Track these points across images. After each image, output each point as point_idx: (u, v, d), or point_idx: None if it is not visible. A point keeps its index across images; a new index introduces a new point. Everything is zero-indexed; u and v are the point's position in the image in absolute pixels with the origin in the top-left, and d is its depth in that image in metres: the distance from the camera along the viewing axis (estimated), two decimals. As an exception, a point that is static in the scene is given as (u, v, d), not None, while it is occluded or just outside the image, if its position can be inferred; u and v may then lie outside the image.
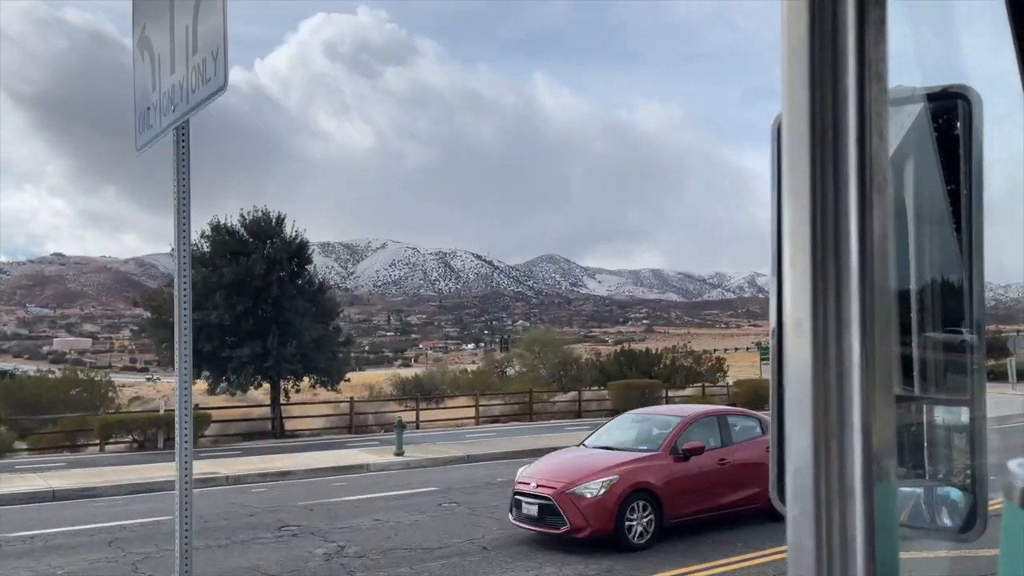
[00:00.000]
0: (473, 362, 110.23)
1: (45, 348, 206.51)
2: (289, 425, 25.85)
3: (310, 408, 28.20)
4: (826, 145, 0.56)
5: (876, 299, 0.55)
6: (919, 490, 0.81)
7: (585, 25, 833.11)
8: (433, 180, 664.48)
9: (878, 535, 0.53)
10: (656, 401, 27.20)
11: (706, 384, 36.01)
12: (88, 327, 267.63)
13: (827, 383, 0.55)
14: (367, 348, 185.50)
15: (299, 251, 26.65)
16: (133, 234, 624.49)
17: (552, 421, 28.94)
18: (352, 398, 28.38)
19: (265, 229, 26.24)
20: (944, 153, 0.80)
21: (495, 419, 28.94)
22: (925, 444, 0.81)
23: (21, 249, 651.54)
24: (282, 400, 26.26)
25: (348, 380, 29.91)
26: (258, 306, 25.07)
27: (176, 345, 4.88)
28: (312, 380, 26.98)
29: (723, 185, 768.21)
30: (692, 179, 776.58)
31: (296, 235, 26.73)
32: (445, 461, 17.26)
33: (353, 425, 25.73)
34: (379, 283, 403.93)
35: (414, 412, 27.75)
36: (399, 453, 17.32)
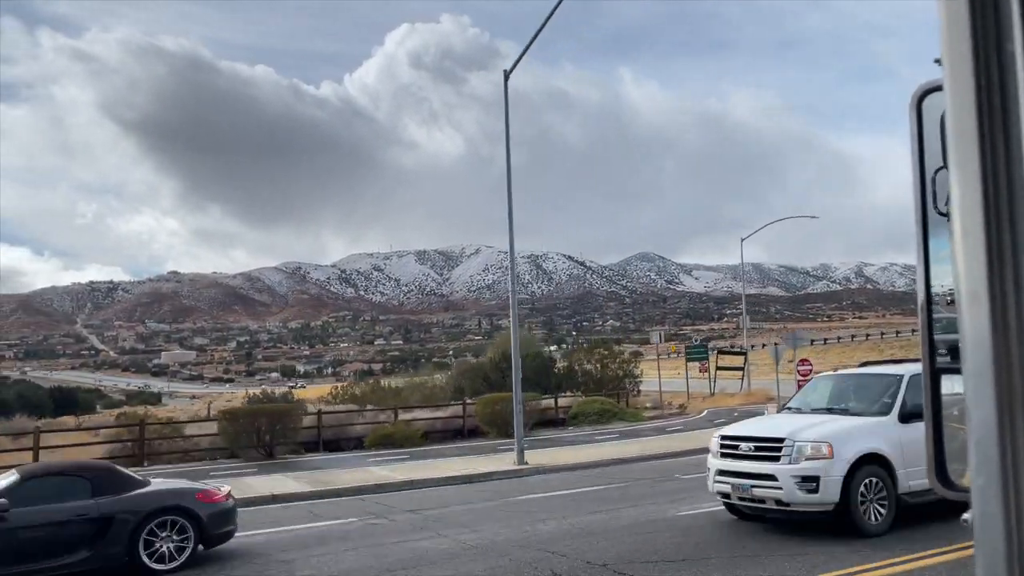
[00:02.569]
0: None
1: (154, 361, 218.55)
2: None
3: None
4: (994, 112, 0.54)
5: None
6: None
7: (671, 18, 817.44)
8: (523, 182, 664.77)
9: None
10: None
11: (605, 392, 34.08)
12: (199, 340, 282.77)
13: (1008, 351, 0.55)
14: (451, 352, 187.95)
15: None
16: (241, 249, 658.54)
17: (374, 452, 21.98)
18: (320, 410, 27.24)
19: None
20: None
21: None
22: None
23: (144, 269, 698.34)
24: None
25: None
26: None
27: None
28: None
29: (827, 172, 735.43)
30: (793, 167, 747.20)
31: None
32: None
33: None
34: (473, 288, 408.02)
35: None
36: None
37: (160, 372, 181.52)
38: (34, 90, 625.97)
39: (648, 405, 36.13)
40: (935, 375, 0.98)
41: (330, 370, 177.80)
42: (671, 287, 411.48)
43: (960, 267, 0.57)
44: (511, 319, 17.97)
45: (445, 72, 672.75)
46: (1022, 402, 0.54)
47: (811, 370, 30.93)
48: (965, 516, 0.85)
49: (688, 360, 43.06)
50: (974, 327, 0.56)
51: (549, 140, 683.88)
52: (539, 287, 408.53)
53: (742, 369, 41.10)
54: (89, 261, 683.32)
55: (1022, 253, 0.54)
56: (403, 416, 24.49)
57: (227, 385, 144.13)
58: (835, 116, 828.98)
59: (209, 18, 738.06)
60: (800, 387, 32.02)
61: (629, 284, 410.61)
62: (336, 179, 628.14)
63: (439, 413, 25.77)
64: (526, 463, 16.51)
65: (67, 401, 68.45)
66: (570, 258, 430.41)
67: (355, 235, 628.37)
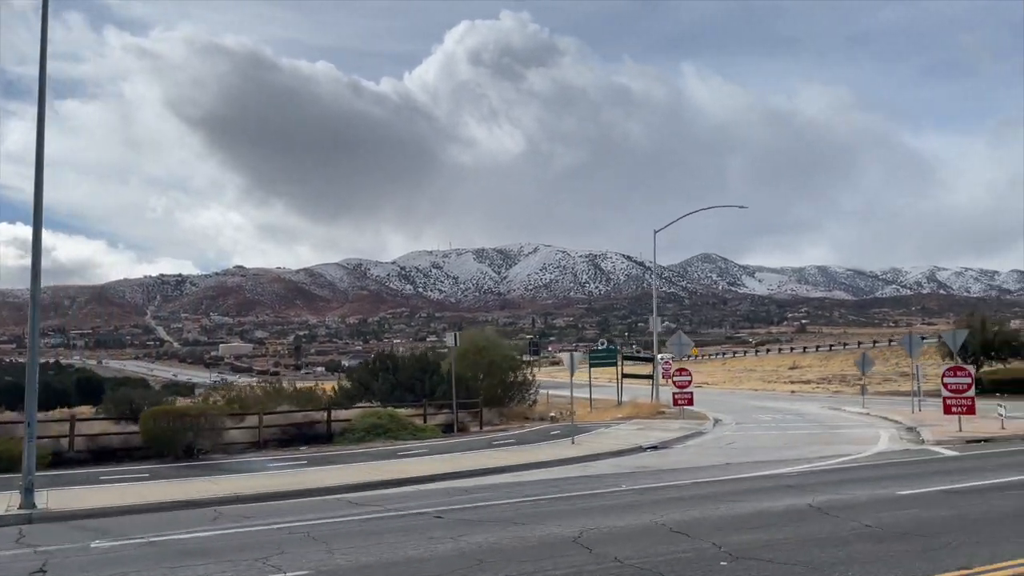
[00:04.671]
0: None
1: (211, 352, 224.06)
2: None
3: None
4: None
5: None
6: None
7: (735, 13, 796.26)
8: (583, 181, 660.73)
9: None
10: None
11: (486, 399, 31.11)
12: (259, 333, 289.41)
13: None
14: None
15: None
16: (304, 245, 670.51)
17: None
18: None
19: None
20: None
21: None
22: None
23: (212, 263, 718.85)
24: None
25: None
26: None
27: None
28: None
29: (901, 171, 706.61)
30: (865, 166, 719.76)
31: None
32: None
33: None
34: (530, 287, 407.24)
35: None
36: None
37: (214, 364, 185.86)
38: (103, 87, 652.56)
39: (532, 418, 33.49)
40: None
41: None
42: (733, 289, 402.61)
43: None
44: (31, 311, 13.00)
45: (504, 69, 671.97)
46: None
47: (690, 381, 28.56)
48: None
49: (592, 366, 39.95)
50: None
51: (610, 138, 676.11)
52: (596, 287, 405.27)
53: (650, 377, 37.79)
54: (161, 254, 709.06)
55: None
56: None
57: (273, 378, 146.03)
58: (911, 113, 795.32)
59: (270, 17, 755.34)
60: (677, 401, 29.46)
61: (689, 285, 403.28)
62: (396, 176, 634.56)
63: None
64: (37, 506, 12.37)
65: (93, 390, 69.99)
66: (629, 258, 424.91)
67: (415, 232, 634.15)
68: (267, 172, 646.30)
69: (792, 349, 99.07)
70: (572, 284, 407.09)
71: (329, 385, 46.01)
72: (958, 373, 22.72)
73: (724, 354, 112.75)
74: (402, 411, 25.11)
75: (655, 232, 37.43)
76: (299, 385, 51.79)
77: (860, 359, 33.56)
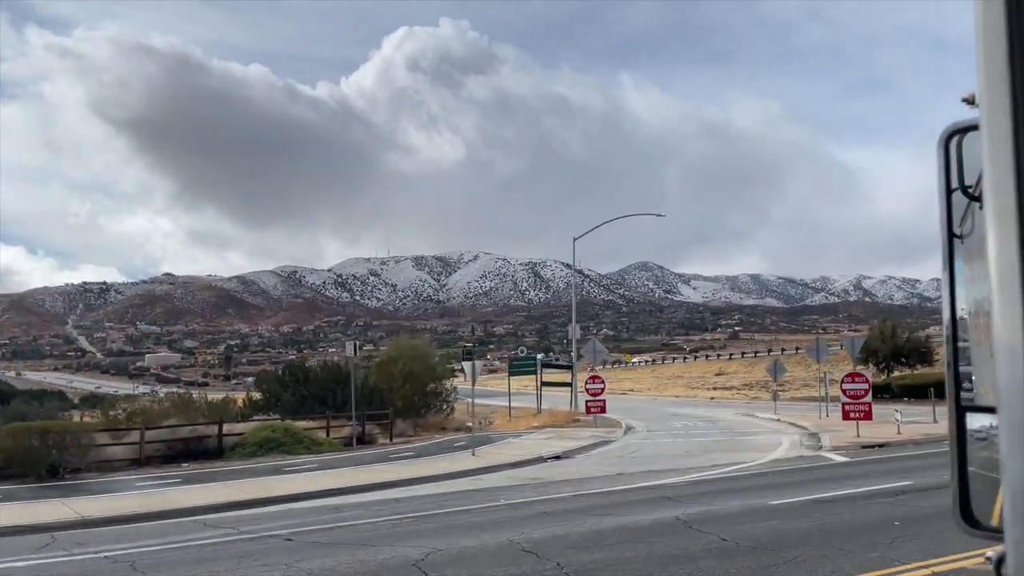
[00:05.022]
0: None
1: (136, 363, 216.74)
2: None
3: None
4: None
5: None
6: None
7: (671, 26, 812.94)
8: (523, 188, 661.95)
9: None
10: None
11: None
12: (189, 343, 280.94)
13: None
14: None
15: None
16: (237, 252, 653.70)
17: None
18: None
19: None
20: None
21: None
22: None
23: (140, 270, 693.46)
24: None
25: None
26: None
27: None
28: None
29: (829, 182, 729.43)
30: (795, 177, 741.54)
31: None
32: None
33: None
34: (470, 294, 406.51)
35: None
36: None
37: (139, 375, 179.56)
38: (23, 88, 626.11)
39: (448, 428, 33.07)
40: (960, 413, 1.00)
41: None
42: (669, 296, 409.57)
43: (997, 320, 0.56)
44: None
45: (443, 76, 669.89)
46: None
47: (603, 389, 28.59)
48: (988, 554, 0.89)
49: (511, 375, 39.75)
50: (1011, 379, 0.55)
51: (550, 146, 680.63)
52: (536, 294, 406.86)
53: (569, 385, 37.65)
54: (84, 261, 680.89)
55: None
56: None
57: (199, 388, 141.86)
58: (837, 127, 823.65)
59: (200, 18, 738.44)
60: (590, 409, 29.29)
61: (627, 293, 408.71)
62: (333, 182, 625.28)
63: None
64: None
65: (5, 403, 66.43)
66: (568, 266, 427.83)
67: (352, 239, 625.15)
68: (198, 177, 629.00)
69: (719, 356, 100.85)
70: (512, 292, 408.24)
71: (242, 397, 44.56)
72: (856, 379, 23.05)
73: (652, 361, 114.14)
74: (302, 424, 24.18)
75: (574, 239, 37.37)
76: (216, 396, 49.99)
77: (772, 366, 34.04)
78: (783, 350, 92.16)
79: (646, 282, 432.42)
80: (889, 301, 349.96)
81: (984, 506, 1.08)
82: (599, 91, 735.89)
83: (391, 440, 28.45)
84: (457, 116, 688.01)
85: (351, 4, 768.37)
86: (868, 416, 22.69)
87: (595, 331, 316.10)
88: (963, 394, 1.08)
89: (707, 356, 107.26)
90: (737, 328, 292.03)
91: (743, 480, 14.81)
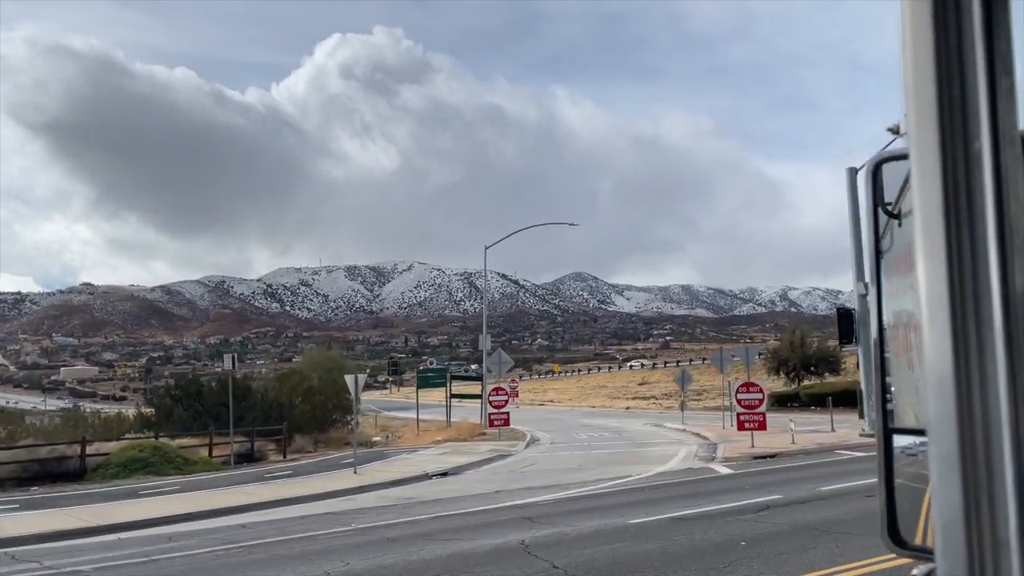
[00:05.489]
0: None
1: (51, 377, 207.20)
2: None
3: None
4: (959, 200, 0.55)
5: (1020, 355, 0.54)
6: None
7: (603, 40, 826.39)
8: (458, 198, 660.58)
9: None
10: None
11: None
12: (108, 355, 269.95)
13: (974, 439, 0.55)
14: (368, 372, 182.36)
15: None
16: (161, 261, 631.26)
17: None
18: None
19: None
20: None
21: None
22: None
23: (57, 279, 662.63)
24: None
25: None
26: None
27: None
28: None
29: (756, 196, 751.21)
30: (724, 190, 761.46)
31: None
32: None
33: None
34: (404, 305, 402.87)
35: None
36: None
37: (53, 389, 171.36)
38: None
39: (351, 443, 32.16)
40: (887, 435, 0.99)
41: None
42: (603, 307, 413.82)
43: (929, 353, 0.57)
44: None
45: (377, 84, 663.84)
46: (987, 489, 0.55)
47: (507, 401, 28.19)
48: (915, 572, 0.92)
49: (419, 387, 38.98)
50: (941, 411, 0.56)
51: (485, 156, 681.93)
52: (472, 305, 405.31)
53: (480, 397, 36.63)
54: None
55: (988, 343, 0.55)
56: None
57: (115, 403, 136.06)
58: (763, 143, 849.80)
59: (123, 19, 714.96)
60: (492, 422, 28.64)
61: (561, 303, 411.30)
62: (262, 190, 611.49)
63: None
64: None
65: None
66: (504, 276, 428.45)
67: (282, 248, 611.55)
68: (119, 183, 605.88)
69: (642, 365, 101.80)
70: (447, 302, 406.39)
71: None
72: (751, 389, 22.94)
73: (581, 371, 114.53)
74: (183, 442, 22.80)
75: (486, 248, 36.74)
76: (112, 412, 47.76)
77: (680, 376, 33.99)
78: (704, 360, 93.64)
79: (581, 292, 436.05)
80: (814, 311, 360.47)
81: (910, 525, 1.06)
82: (534, 103, 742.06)
83: (285, 457, 27.21)
84: (391, 124, 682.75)
85: (283, 8, 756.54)
86: (763, 426, 22.59)
87: (530, 341, 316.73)
88: (889, 413, 1.04)
89: (631, 366, 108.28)
90: (668, 338, 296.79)
91: (616, 496, 14.28)
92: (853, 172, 23.86)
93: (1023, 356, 0.55)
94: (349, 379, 19.55)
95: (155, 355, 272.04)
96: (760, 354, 51.42)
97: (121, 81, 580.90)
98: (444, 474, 19.88)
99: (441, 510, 13.42)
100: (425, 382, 38.82)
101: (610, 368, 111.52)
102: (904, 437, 1.08)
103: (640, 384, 74.49)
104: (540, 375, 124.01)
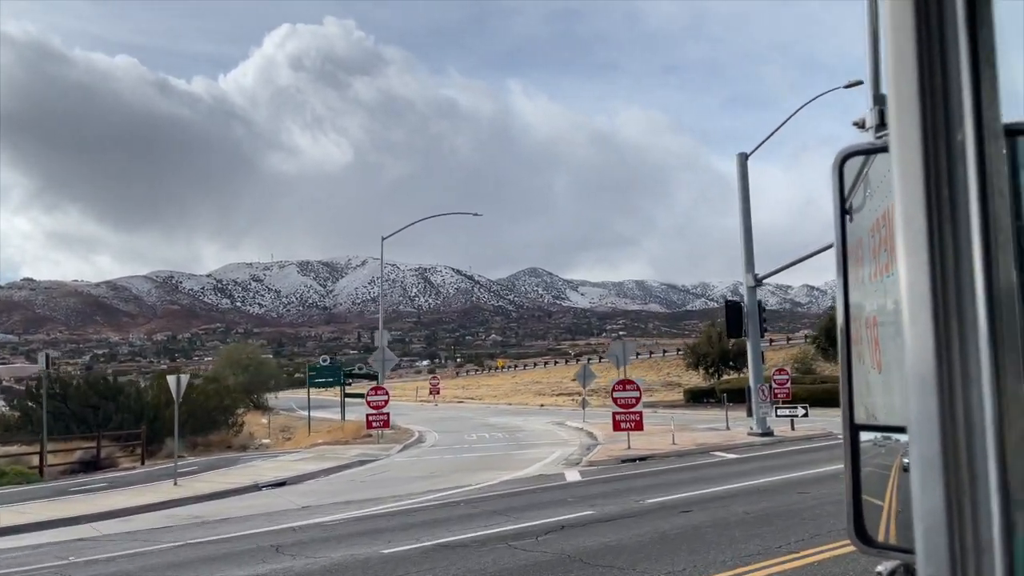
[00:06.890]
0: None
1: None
2: None
3: None
4: (941, 195, 0.54)
5: (1004, 354, 0.54)
6: None
7: (559, 36, 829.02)
8: (412, 193, 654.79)
9: None
10: None
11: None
12: (52, 353, 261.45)
13: (956, 441, 0.54)
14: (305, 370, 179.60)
15: None
16: (106, 255, 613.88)
17: None
18: None
19: None
20: None
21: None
22: None
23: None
24: None
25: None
26: None
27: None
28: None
29: (709, 191, 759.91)
30: (679, 186, 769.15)
31: None
32: None
33: None
34: (358, 300, 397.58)
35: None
36: None
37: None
38: None
39: (234, 446, 30.41)
40: (854, 431, 0.98)
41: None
42: (557, 302, 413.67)
43: (910, 352, 0.56)
44: None
45: (328, 76, 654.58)
46: (970, 492, 0.54)
47: (386, 401, 26.63)
48: (879, 569, 0.93)
49: (311, 386, 36.56)
50: (923, 412, 0.55)
51: (439, 150, 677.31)
52: (426, 300, 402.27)
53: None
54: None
55: (971, 342, 0.54)
56: None
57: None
58: (717, 139, 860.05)
59: (59, 5, 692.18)
60: (371, 423, 26.75)
61: (516, 299, 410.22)
62: (210, 183, 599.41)
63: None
64: None
65: None
66: (459, 272, 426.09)
67: (232, 243, 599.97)
68: (60, 174, 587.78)
69: (588, 360, 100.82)
70: (402, 298, 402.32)
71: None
72: (627, 387, 21.52)
73: (527, 367, 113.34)
74: (4, 448, 20.56)
75: (383, 239, 34.85)
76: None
77: (581, 372, 32.59)
78: (651, 353, 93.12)
79: (535, 288, 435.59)
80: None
81: (874, 522, 1.05)
82: (488, 96, 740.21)
83: (142, 463, 25.07)
84: (343, 117, 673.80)
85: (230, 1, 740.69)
86: (639, 426, 21.20)
87: (484, 336, 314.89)
88: (856, 411, 1.02)
89: (566, 361, 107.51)
90: (622, 333, 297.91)
91: (423, 513, 12.62)
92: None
93: (1007, 355, 0.54)
94: (171, 380, 17.62)
95: (99, 352, 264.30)
96: (679, 351, 50.36)
97: (59, 68, 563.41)
98: (281, 484, 18.06)
99: (202, 535, 11.60)
100: (314, 381, 36.62)
101: (566, 362, 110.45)
102: (869, 433, 1.01)
103: (573, 380, 73.34)
104: (491, 370, 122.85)
